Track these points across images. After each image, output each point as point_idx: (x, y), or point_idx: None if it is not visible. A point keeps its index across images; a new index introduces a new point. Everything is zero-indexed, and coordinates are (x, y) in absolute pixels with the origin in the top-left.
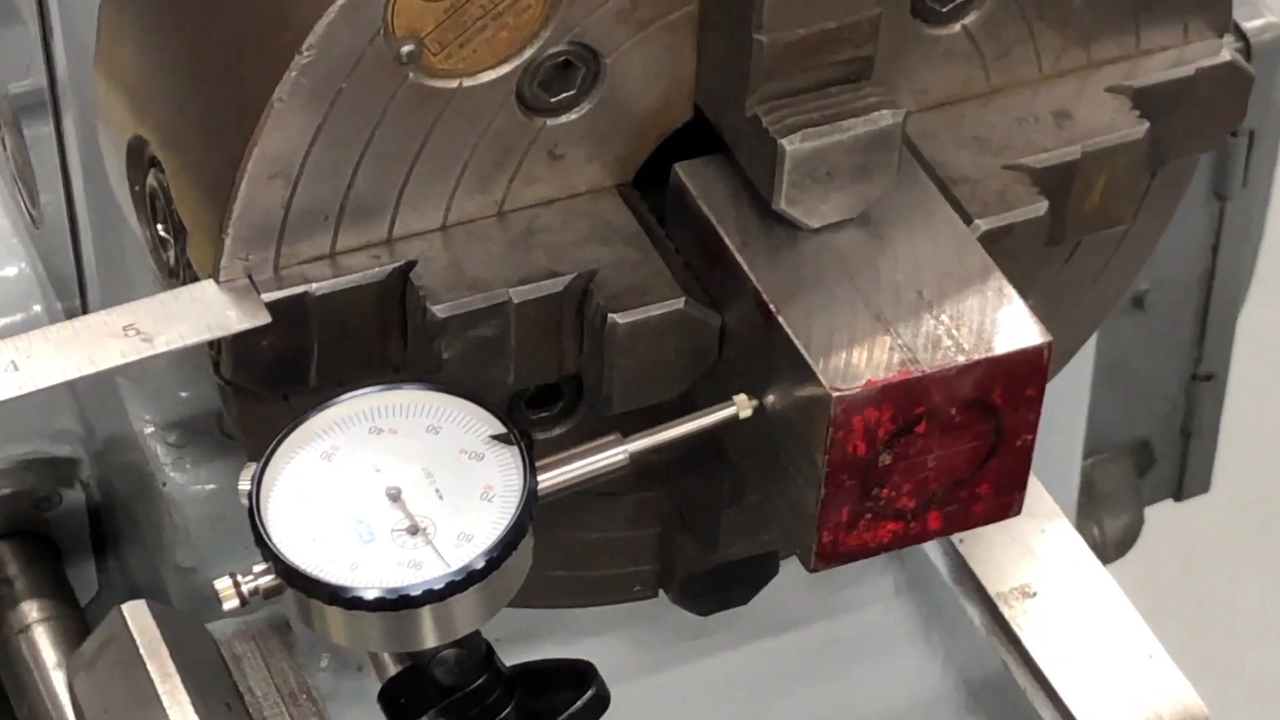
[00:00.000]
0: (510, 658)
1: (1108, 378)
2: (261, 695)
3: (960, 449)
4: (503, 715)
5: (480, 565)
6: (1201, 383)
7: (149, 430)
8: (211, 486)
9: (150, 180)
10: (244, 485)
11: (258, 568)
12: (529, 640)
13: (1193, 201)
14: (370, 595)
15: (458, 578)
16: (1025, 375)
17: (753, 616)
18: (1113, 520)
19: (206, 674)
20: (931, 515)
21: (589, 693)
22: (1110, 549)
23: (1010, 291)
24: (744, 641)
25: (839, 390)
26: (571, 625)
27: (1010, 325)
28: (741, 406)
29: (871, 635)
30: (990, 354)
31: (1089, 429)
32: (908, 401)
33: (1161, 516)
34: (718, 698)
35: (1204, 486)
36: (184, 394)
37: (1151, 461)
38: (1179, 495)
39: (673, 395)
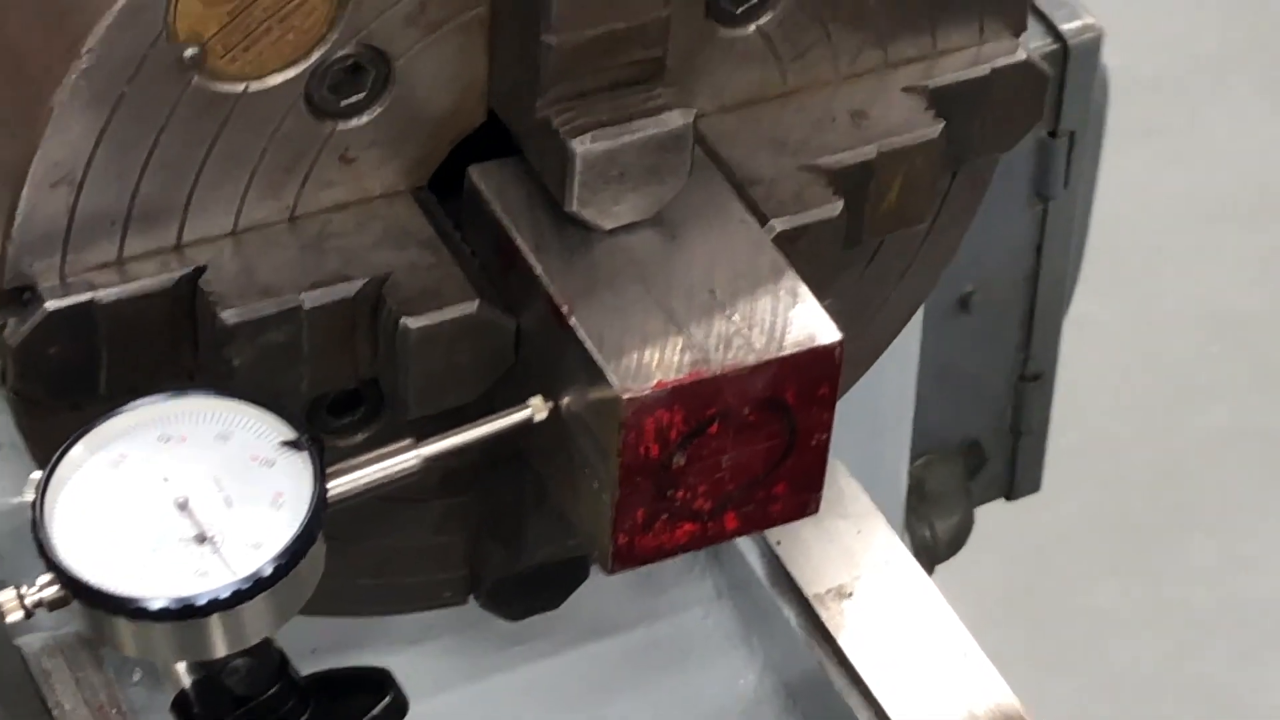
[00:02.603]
0: (325, 667)
1: (936, 379)
2: (70, 709)
3: (755, 449)
4: None
5: (268, 573)
6: (1029, 382)
7: None
8: (16, 500)
9: None
10: (28, 495)
11: (43, 579)
12: (344, 650)
13: (1016, 203)
14: (155, 605)
15: (244, 586)
16: (818, 374)
17: (573, 622)
18: (943, 520)
19: (14, 689)
20: (728, 515)
21: (386, 699)
22: (941, 549)
23: (803, 291)
24: (565, 647)
25: (629, 391)
26: (389, 634)
27: (802, 324)
28: (536, 409)
29: (692, 639)
30: (781, 353)
31: (919, 430)
32: (699, 402)
33: (993, 517)
34: (539, 704)
35: (1035, 486)
36: None
37: (982, 461)
38: (1010, 495)
39: (471, 399)
